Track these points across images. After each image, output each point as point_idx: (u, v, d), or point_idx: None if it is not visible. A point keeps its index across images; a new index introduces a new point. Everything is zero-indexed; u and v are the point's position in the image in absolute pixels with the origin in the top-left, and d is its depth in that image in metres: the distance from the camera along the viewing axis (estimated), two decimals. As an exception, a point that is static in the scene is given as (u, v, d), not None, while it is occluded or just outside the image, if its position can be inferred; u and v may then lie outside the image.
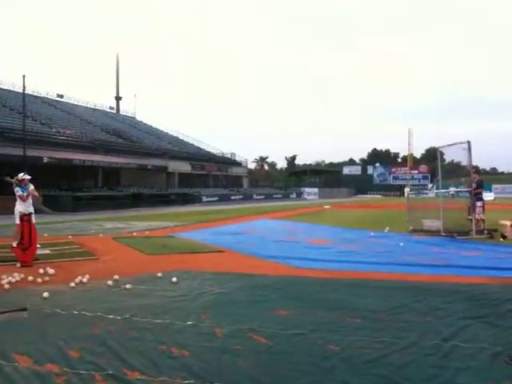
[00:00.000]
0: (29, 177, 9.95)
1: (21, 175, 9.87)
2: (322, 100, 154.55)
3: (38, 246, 9.68)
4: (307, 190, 61.55)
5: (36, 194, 9.94)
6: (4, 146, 27.82)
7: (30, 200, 9.93)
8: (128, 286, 5.98)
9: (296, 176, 78.96)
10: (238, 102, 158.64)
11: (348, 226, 15.58)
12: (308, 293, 5.80)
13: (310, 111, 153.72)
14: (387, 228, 13.64)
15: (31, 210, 9.80)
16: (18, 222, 9.41)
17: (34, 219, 9.35)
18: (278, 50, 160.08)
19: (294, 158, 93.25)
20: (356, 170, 78.10)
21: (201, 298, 5.57)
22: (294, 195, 57.29)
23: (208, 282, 6.42)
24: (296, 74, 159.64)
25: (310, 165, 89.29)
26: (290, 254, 8.96)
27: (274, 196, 52.92)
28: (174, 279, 6.40)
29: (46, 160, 28.51)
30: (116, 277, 6.46)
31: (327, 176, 79.76)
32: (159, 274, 6.74)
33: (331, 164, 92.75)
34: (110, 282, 6.20)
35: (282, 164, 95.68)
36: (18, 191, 9.78)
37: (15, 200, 9.68)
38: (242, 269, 7.44)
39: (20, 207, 9.61)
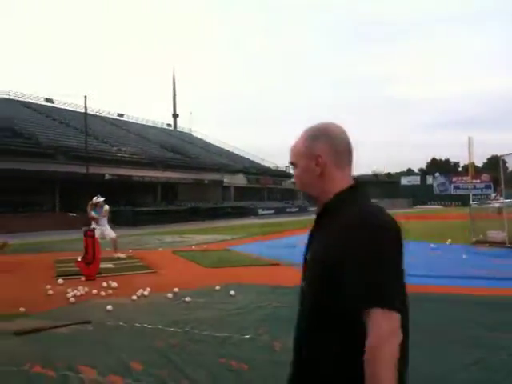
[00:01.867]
0: (102, 199, 10.66)
1: (94, 199, 10.63)
2: (374, 109, 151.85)
3: (123, 256, 10.58)
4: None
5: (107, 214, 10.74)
6: (68, 164, 29.18)
7: (104, 220, 10.70)
8: (187, 299, 6.09)
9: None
10: (289, 115, 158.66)
11: (406, 237, 15.07)
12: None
13: (362, 121, 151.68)
14: (449, 240, 13.16)
15: (107, 229, 10.63)
16: (113, 235, 10.25)
17: (100, 234, 10.00)
18: (352, 64, 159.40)
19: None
20: (415, 180, 76.12)
21: (258, 311, 5.59)
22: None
23: (265, 296, 6.43)
24: (349, 85, 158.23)
25: (367, 175, 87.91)
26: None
27: (330, 208, 52.30)
28: (232, 292, 6.46)
29: (107, 177, 29.59)
30: (176, 290, 6.60)
31: (385, 187, 78.17)
32: (217, 287, 6.82)
33: (388, 175, 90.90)
34: (169, 295, 6.34)
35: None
36: (90, 213, 10.56)
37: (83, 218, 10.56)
38: (298, 282, 7.36)
39: (97, 227, 10.42)
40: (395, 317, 1.14)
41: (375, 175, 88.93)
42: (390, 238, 1.26)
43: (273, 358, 3.91)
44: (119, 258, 10.53)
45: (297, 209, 46.88)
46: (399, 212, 41.27)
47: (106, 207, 10.78)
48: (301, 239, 11.22)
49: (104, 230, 10.72)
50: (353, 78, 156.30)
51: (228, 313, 5.49)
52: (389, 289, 1.17)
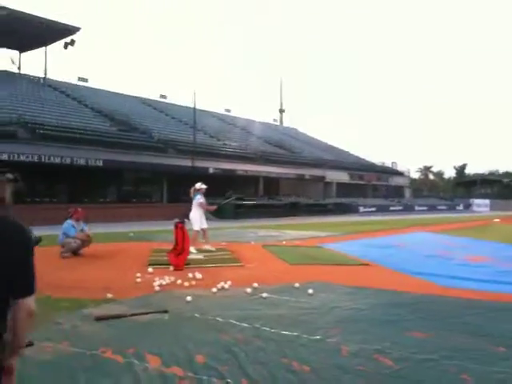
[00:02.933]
0: (205, 186, 11.02)
1: (198, 185, 10.98)
2: (493, 103, 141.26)
3: (212, 248, 10.77)
4: (476, 201, 56.66)
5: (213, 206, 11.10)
6: (176, 158, 30.66)
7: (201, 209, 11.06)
8: (264, 295, 6.12)
9: (464, 186, 73.31)
10: (399, 110, 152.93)
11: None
12: (450, 315, 5.33)
13: (483, 115, 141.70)
14: None
15: (204, 217, 10.97)
16: (196, 228, 10.54)
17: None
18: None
19: (463, 166, 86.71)
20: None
21: (334, 312, 5.46)
22: (461, 207, 53.21)
23: (345, 296, 6.27)
24: (460, 75, 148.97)
25: (482, 174, 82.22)
26: (440, 272, 8.33)
27: (438, 207, 49.75)
28: (311, 291, 6.38)
29: (211, 170, 30.63)
30: (255, 285, 6.65)
31: (501, 186, 72.56)
32: (296, 285, 6.77)
33: (507, 173, 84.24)
34: (248, 290, 6.41)
35: (450, 173, 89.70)
36: (199, 198, 10.89)
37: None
38: (384, 284, 7.12)
39: (197, 213, 10.72)
40: None
41: (491, 173, 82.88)
42: None
43: (337, 362, 3.80)
44: (208, 250, 10.72)
45: (401, 207, 45.18)
46: (508, 214, 38.14)
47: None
48: (399, 239, 10.98)
49: (202, 218, 11.00)
50: None
51: (302, 312, 5.43)
52: None
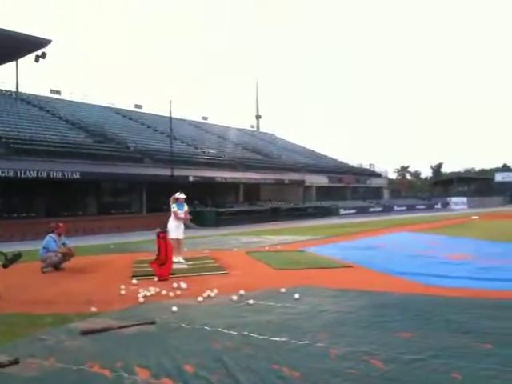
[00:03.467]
0: (184, 196, 10.90)
1: (177, 194, 10.86)
2: (469, 103, 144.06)
3: (182, 260, 10.42)
4: (454, 199, 57.63)
5: (187, 215, 10.94)
6: (154, 167, 30.49)
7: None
8: (251, 302, 6.11)
9: (441, 185, 74.49)
10: (376, 111, 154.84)
11: (496, 239, 14.23)
12: (434, 314, 5.40)
13: (457, 114, 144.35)
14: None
15: (181, 227, 10.79)
16: (171, 236, 10.31)
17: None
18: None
19: (439, 165, 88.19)
20: (511, 177, 71.21)
21: (320, 316, 5.48)
22: (439, 205, 54.05)
23: (330, 300, 6.30)
24: (432, 75, 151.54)
25: (458, 172, 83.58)
26: (423, 271, 8.44)
27: (417, 207, 50.42)
28: (297, 295, 6.39)
29: (191, 179, 30.51)
30: (241, 292, 6.64)
31: (477, 184, 73.95)
32: (283, 290, 6.78)
33: (482, 171, 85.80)
34: (234, 297, 6.40)
35: (426, 173, 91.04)
36: (173, 207, 10.76)
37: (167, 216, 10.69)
38: (368, 286, 7.18)
39: (173, 223, 10.57)
40: None
41: (468, 171, 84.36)
42: None
43: (326, 367, 3.81)
44: (178, 262, 10.18)
45: (381, 208, 45.66)
46: (491, 211, 38.93)
47: (186, 207, 11.02)
48: (380, 240, 11.08)
49: (178, 227, 10.78)
50: None
51: (289, 317, 5.43)
52: None
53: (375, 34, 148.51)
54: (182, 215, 10.85)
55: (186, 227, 11.26)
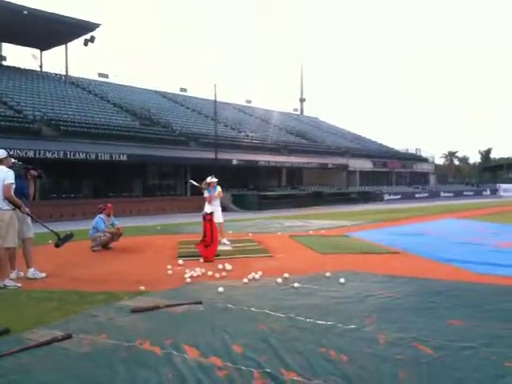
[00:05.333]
0: (216, 179, 10.90)
1: (209, 179, 10.87)
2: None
3: (227, 242, 10.53)
4: (503, 186, 55.61)
5: (221, 194, 10.93)
6: (198, 151, 30.78)
7: (217, 201, 10.90)
8: (296, 285, 6.09)
9: (490, 171, 71.99)
10: (423, 95, 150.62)
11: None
12: (487, 302, 5.23)
13: (507, 99, 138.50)
14: None
15: (218, 211, 10.72)
16: (217, 221, 10.37)
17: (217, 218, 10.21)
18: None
19: (488, 151, 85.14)
20: None
21: (367, 301, 5.40)
22: (488, 192, 52.30)
23: (377, 285, 6.20)
24: (488, 59, 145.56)
25: (508, 158, 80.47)
26: (473, 258, 8.19)
27: (465, 193, 48.98)
28: (342, 280, 6.33)
29: (234, 162, 30.66)
30: (286, 275, 6.62)
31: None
32: (327, 274, 6.73)
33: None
34: (279, 280, 6.39)
35: (475, 158, 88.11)
36: (205, 193, 10.81)
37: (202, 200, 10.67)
38: (416, 272, 7.02)
39: (207, 208, 10.59)
40: None
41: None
42: None
43: (375, 352, 3.75)
44: (224, 244, 10.38)
45: (427, 194, 44.62)
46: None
47: (219, 188, 10.96)
48: (427, 226, 10.82)
49: (215, 212, 10.80)
50: None
51: (335, 301, 5.39)
52: None
53: (422, 16, 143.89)
54: (208, 195, 10.70)
55: (229, 210, 11.29)
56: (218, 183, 10.98)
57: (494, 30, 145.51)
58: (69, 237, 7.55)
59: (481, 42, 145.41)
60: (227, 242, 10.62)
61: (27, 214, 6.85)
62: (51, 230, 7.41)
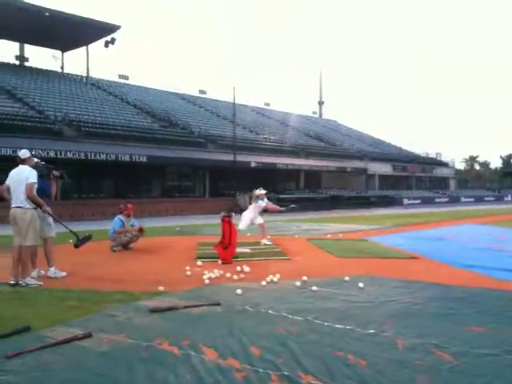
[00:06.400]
0: (264, 191, 11.47)
1: (257, 191, 11.45)
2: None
3: (268, 242, 11.07)
4: (525, 191, 54.73)
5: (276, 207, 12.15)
6: (217, 153, 30.90)
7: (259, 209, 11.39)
8: (314, 288, 6.07)
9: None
10: (444, 99, 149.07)
11: None
12: (507, 309, 5.14)
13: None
14: None
15: (259, 220, 11.17)
16: (240, 227, 10.69)
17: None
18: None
19: (510, 156, 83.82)
20: None
21: (386, 306, 5.36)
22: (509, 198, 51.49)
23: (396, 290, 6.14)
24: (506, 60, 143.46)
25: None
26: (494, 265, 8.06)
27: (486, 199, 48.31)
28: (361, 284, 6.29)
29: (253, 164, 30.71)
30: (304, 278, 6.61)
31: None
32: (346, 278, 6.69)
33: None
34: (297, 283, 6.38)
35: (496, 163, 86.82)
36: (258, 202, 11.29)
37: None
38: (436, 278, 6.94)
39: (250, 214, 11.05)
40: None
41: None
42: None
43: (393, 357, 3.72)
44: (265, 244, 10.92)
45: (447, 199, 44.12)
46: None
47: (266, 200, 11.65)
48: (447, 232, 10.67)
49: (254, 218, 11.32)
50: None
51: (354, 305, 5.36)
52: None
53: (444, 22, 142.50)
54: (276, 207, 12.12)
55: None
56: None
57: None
58: (88, 238, 7.63)
59: (505, 45, 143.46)
60: (268, 243, 11.11)
61: (48, 214, 6.95)
62: (71, 231, 7.50)
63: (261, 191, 11.50)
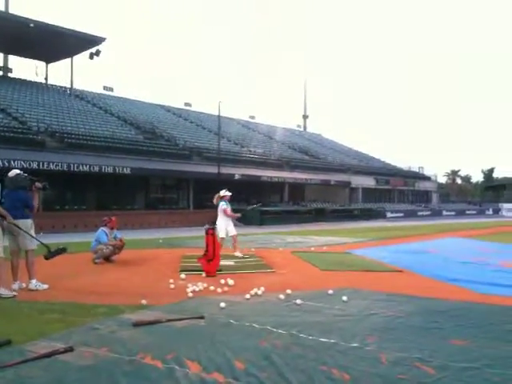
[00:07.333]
0: (229, 193, 11.09)
1: (222, 192, 11.05)
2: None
3: (241, 255, 10.81)
4: (506, 205, 55.49)
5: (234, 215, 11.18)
6: (201, 165, 30.89)
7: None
8: (298, 302, 6.06)
9: (493, 190, 71.87)
10: (427, 114, 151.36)
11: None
12: (490, 323, 5.20)
13: (509, 119, 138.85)
14: None
15: (231, 225, 10.97)
16: (220, 235, 10.54)
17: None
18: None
19: (491, 170, 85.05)
20: None
21: (369, 319, 5.38)
22: (491, 211, 52.20)
23: (379, 304, 6.17)
24: (491, 75, 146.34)
25: (510, 178, 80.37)
26: (476, 278, 8.15)
27: (467, 212, 48.91)
28: (345, 298, 6.30)
29: (237, 177, 30.72)
30: (288, 291, 6.61)
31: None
32: (330, 291, 6.70)
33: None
34: (281, 296, 6.37)
35: (477, 177, 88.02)
36: (223, 205, 10.92)
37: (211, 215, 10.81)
38: (419, 291, 6.99)
39: (222, 221, 10.77)
40: None
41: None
42: None
43: (377, 371, 3.72)
44: (237, 257, 10.71)
45: (429, 212, 44.57)
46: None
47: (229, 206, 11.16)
48: (430, 245, 10.77)
49: (227, 226, 11.02)
50: None
51: (337, 318, 5.36)
52: None
53: (427, 36, 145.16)
54: (233, 214, 11.12)
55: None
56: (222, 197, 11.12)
57: (496, 43, 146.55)
58: (60, 251, 7.36)
59: (486, 60, 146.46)
60: (240, 255, 10.86)
61: (13, 224, 6.76)
62: (41, 243, 7.28)
63: (226, 192, 11.15)
